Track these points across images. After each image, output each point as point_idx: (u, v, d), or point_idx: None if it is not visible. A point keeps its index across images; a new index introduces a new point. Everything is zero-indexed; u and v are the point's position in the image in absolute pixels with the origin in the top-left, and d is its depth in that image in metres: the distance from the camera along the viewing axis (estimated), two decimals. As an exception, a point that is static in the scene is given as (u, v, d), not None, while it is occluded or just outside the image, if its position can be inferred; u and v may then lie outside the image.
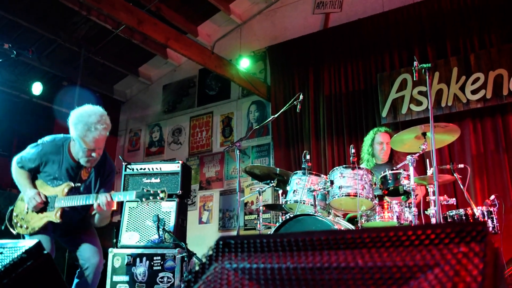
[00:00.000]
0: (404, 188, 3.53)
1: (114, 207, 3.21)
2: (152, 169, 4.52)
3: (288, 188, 3.87)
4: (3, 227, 3.32)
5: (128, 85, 9.10)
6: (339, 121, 6.29)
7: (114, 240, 5.63)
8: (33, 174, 3.33)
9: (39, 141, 3.34)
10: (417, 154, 3.57)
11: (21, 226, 3.25)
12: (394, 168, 3.78)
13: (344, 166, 3.65)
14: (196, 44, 6.50)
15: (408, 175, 3.52)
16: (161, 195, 3.19)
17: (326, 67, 6.56)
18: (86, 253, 3.30)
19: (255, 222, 6.66)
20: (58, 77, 7.80)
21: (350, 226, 3.82)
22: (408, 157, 3.53)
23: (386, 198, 3.77)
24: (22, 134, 7.32)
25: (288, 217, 3.60)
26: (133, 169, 4.55)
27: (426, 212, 3.62)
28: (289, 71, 6.92)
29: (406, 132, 3.70)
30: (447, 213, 3.66)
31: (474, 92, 5.29)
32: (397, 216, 3.56)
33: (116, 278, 4.14)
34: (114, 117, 8.72)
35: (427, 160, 3.71)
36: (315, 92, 6.61)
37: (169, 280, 4.00)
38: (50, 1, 6.41)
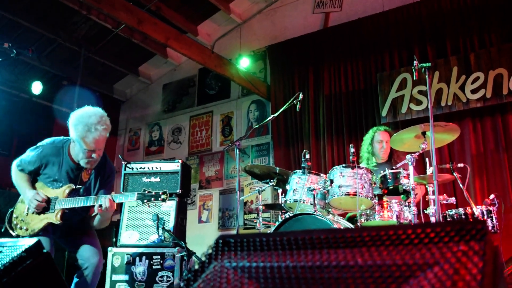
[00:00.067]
0: (404, 187, 3.54)
1: (114, 208, 3.21)
2: (152, 168, 4.52)
3: (287, 187, 3.87)
4: (3, 229, 3.32)
5: (128, 84, 9.10)
6: (339, 121, 6.29)
7: (114, 239, 5.63)
8: (33, 177, 3.34)
9: (39, 144, 3.34)
10: (417, 154, 3.57)
11: (21, 228, 3.24)
12: (394, 167, 3.77)
13: (343, 165, 3.65)
14: (196, 43, 6.50)
15: (408, 174, 3.53)
16: (163, 196, 3.19)
17: (326, 66, 6.56)
18: (86, 253, 3.29)
19: (255, 221, 6.66)
20: (58, 77, 7.80)
21: (350, 225, 3.82)
22: (408, 156, 3.53)
23: (386, 197, 3.77)
24: (22, 133, 7.33)
25: (287, 216, 3.59)
26: (132, 168, 4.55)
27: (425, 211, 3.63)
28: (289, 71, 6.92)
29: (406, 131, 3.70)
30: (447, 212, 3.66)
31: (474, 91, 5.30)
32: (396, 215, 3.56)
33: (115, 277, 4.14)
34: (114, 116, 8.72)
35: (427, 159, 3.71)
36: (315, 91, 6.61)
37: (168, 279, 4.00)
38: (50, 1, 6.41)
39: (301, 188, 3.66)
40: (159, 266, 4.06)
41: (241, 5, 7.54)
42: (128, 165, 4.57)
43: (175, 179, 4.45)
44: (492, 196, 3.56)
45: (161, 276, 4.02)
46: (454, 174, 3.71)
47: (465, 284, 0.85)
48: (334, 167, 3.68)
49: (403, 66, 5.86)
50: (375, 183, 3.66)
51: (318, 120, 6.48)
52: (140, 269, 4.09)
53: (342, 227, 3.46)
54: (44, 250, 2.05)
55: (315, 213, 3.44)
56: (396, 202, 3.61)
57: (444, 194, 3.57)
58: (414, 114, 5.63)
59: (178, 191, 4.39)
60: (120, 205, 4.54)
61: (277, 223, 3.66)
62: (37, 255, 1.99)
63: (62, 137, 3.37)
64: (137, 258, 4.12)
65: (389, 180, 3.61)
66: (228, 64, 6.83)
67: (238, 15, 7.56)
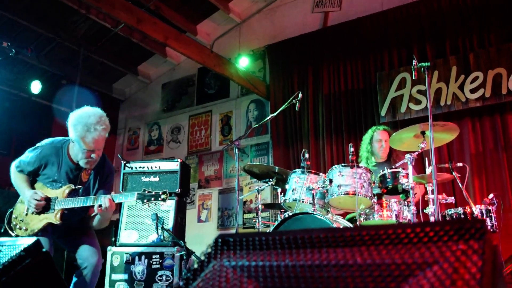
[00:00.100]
0: (403, 186, 3.54)
1: (114, 208, 3.21)
2: (151, 167, 4.52)
3: (287, 186, 3.87)
4: (2, 230, 3.32)
5: (127, 83, 9.10)
6: (338, 120, 6.29)
7: (113, 239, 5.63)
8: (32, 178, 3.33)
9: (38, 145, 3.34)
10: (416, 153, 3.58)
11: (20, 228, 3.24)
12: (393, 166, 3.78)
13: (343, 164, 3.65)
14: (195, 42, 6.50)
15: (407, 174, 3.53)
16: (163, 196, 3.19)
17: (325, 66, 6.56)
18: (85, 253, 3.29)
19: (254, 220, 6.66)
20: (57, 76, 7.79)
21: (349, 225, 3.82)
22: (407, 155, 3.53)
23: (385, 196, 3.77)
24: (21, 132, 7.32)
25: (287, 215, 3.60)
26: (132, 168, 4.55)
27: (424, 210, 3.63)
28: (288, 70, 6.92)
29: (405, 130, 3.71)
30: (446, 211, 3.66)
31: (473, 91, 5.30)
32: (396, 215, 3.56)
33: (114, 277, 4.14)
34: (113, 115, 8.72)
35: (426, 158, 3.72)
36: (314, 90, 6.61)
37: (167, 278, 4.00)
38: (50, 0, 6.41)
39: (300, 187, 3.66)
40: (158, 266, 4.06)
41: (240, 4, 7.53)
42: (127, 164, 4.57)
43: (174, 178, 4.45)
44: (491, 196, 3.56)
45: (161, 276, 4.02)
46: (453, 173, 3.71)
47: (464, 283, 0.85)
48: (333, 167, 3.68)
49: (402, 66, 5.86)
50: (374, 183, 3.66)
51: (317, 120, 6.48)
52: (139, 268, 4.09)
53: (341, 227, 3.46)
54: (43, 249, 2.05)
55: (314, 213, 3.44)
56: (395, 202, 3.61)
57: (443, 194, 3.57)
58: (413, 113, 5.63)
59: (177, 190, 4.39)
60: (119, 205, 4.53)
61: (276, 223, 3.66)
62: (36, 254, 1.99)
63: (61, 138, 3.37)
64: (137, 258, 4.12)
65: (388, 180, 3.62)
66: (227, 63, 6.82)
67: (237, 15, 7.56)
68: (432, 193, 3.35)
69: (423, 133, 3.61)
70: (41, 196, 3.18)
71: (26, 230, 3.21)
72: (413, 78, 3.47)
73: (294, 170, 3.85)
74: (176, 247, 4.02)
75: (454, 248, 0.91)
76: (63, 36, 7.17)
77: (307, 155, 3.72)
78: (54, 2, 6.16)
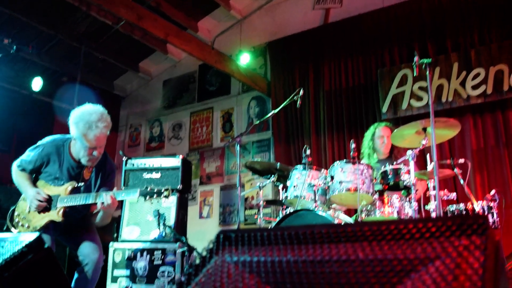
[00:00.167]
0: (405, 183, 3.54)
1: (116, 205, 3.22)
2: (153, 164, 4.52)
3: (288, 183, 3.87)
4: (4, 228, 3.32)
5: (128, 80, 9.09)
6: (339, 117, 6.28)
7: (115, 235, 5.64)
8: (34, 176, 3.34)
9: (39, 143, 3.34)
10: (418, 149, 3.57)
11: (22, 225, 3.25)
12: (395, 163, 3.77)
13: (344, 160, 3.64)
14: (196, 39, 6.49)
15: (409, 170, 3.52)
16: (165, 193, 3.19)
17: (326, 62, 6.55)
18: (86, 250, 3.30)
19: (256, 217, 6.66)
20: (58, 73, 7.78)
21: (350, 221, 3.82)
22: (409, 152, 3.53)
23: (386, 193, 3.77)
24: (22, 129, 7.32)
25: (288, 212, 3.60)
26: (133, 164, 4.55)
27: (426, 207, 3.63)
28: (289, 67, 6.91)
29: (407, 127, 3.70)
30: (448, 208, 3.66)
31: (474, 87, 5.29)
32: (397, 211, 3.56)
33: (116, 273, 4.16)
34: (114, 112, 8.72)
35: (428, 155, 3.71)
36: (315, 87, 6.60)
37: (169, 274, 4.01)
38: (50, -3, 6.40)
39: (301, 184, 3.66)
40: (160, 262, 4.07)
41: (241, 1, 7.52)
42: (128, 161, 4.58)
43: (176, 175, 4.46)
44: (493, 192, 3.55)
45: (162, 271, 4.03)
46: (454, 170, 3.71)
47: (466, 278, 0.85)
48: (334, 163, 3.68)
49: (404, 62, 5.84)
50: (375, 179, 3.66)
51: (319, 116, 6.47)
52: (141, 264, 4.10)
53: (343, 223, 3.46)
54: (45, 245, 2.06)
55: (316, 209, 3.44)
56: (397, 198, 3.61)
57: (445, 190, 3.57)
58: (415, 110, 5.62)
59: (179, 186, 4.39)
60: (121, 201, 4.55)
61: (277, 219, 3.66)
62: (38, 250, 2.00)
63: (62, 135, 3.37)
64: (138, 254, 4.13)
65: (389, 176, 3.61)
66: (228, 60, 6.82)
67: (238, 11, 7.54)
68: (434, 189, 3.34)
69: (424, 129, 3.60)
70: (44, 196, 3.19)
71: (28, 227, 3.22)
72: (415, 74, 3.46)
73: (295, 167, 3.85)
74: (177, 243, 4.03)
75: (457, 243, 0.91)
76: (64, 33, 7.16)
77: (308, 152, 3.72)
78: (55, -1, 6.16)
